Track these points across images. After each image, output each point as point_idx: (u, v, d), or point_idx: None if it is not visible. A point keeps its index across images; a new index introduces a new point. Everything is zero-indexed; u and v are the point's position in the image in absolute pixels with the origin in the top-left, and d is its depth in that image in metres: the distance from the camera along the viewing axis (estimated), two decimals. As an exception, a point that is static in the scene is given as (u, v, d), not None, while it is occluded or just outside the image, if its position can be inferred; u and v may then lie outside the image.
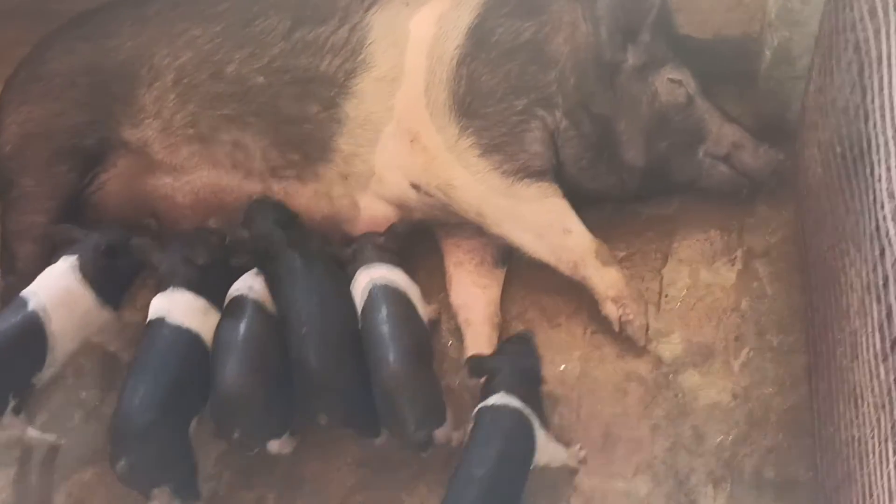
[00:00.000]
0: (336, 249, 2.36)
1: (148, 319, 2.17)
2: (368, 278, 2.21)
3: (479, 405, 2.06)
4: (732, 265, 2.43)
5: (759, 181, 2.45)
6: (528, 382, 2.11)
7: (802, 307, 2.28)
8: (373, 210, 2.45)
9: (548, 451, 2.07)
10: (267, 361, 2.11)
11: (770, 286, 2.38)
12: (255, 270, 2.27)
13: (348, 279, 2.27)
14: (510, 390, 2.05)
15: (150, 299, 2.24)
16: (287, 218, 2.35)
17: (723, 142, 2.44)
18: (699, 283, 2.41)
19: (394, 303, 2.16)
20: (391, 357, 2.05)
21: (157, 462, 2.03)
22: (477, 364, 2.16)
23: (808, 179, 2.19)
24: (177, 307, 2.17)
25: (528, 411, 2.04)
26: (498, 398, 2.05)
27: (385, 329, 2.10)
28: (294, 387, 2.11)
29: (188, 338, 2.14)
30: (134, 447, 2.00)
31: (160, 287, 2.22)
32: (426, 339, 2.18)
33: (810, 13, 2.19)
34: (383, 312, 2.13)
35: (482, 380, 2.12)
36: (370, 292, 2.18)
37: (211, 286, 2.23)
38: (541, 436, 2.04)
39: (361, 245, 2.33)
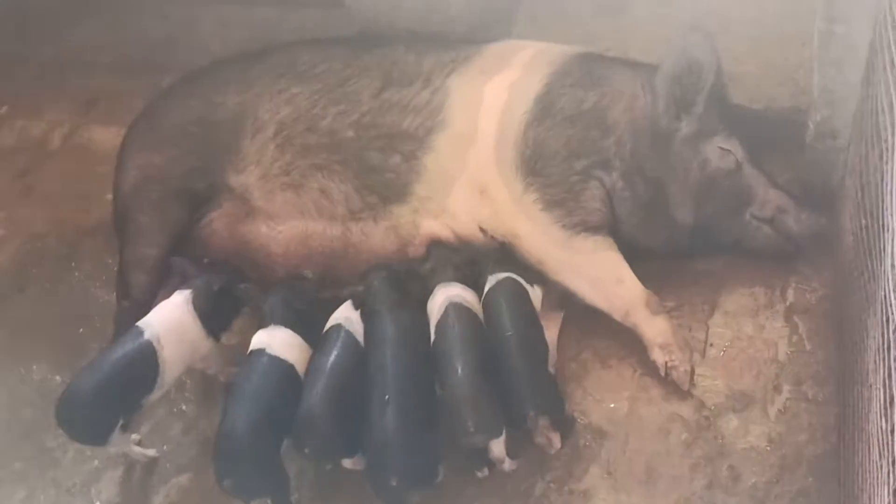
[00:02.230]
0: (414, 266, 2.55)
1: (250, 350, 2.40)
2: (445, 296, 2.41)
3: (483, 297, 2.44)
4: (775, 320, 2.56)
5: (800, 244, 2.59)
6: (508, 259, 2.53)
7: (836, 362, 2.41)
8: (430, 229, 2.64)
9: (538, 299, 2.51)
10: (347, 391, 2.29)
11: (809, 341, 2.50)
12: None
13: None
14: (494, 271, 2.46)
15: (245, 326, 2.48)
16: (399, 281, 2.50)
17: (768, 206, 2.59)
18: (742, 335, 2.54)
19: (467, 321, 2.36)
20: (459, 367, 2.23)
21: (257, 478, 2.22)
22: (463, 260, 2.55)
23: (843, 245, 2.34)
24: (276, 341, 2.40)
25: (517, 277, 2.46)
26: (492, 279, 2.45)
27: (458, 344, 2.29)
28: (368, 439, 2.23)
29: (284, 368, 2.36)
30: (237, 467, 2.20)
31: (263, 324, 2.45)
32: (491, 359, 2.32)
33: (848, 94, 2.32)
34: (457, 329, 2.33)
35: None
36: (446, 309, 2.37)
37: (305, 326, 2.46)
38: (531, 290, 2.47)
39: (440, 263, 2.52)
